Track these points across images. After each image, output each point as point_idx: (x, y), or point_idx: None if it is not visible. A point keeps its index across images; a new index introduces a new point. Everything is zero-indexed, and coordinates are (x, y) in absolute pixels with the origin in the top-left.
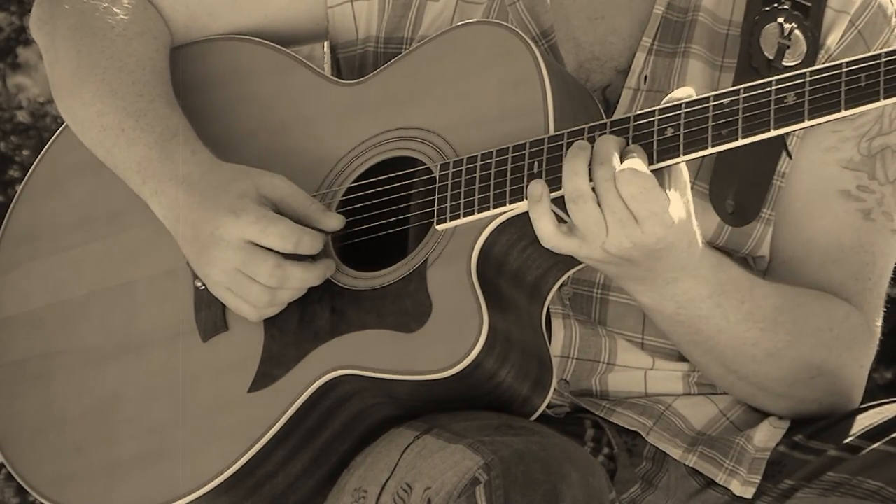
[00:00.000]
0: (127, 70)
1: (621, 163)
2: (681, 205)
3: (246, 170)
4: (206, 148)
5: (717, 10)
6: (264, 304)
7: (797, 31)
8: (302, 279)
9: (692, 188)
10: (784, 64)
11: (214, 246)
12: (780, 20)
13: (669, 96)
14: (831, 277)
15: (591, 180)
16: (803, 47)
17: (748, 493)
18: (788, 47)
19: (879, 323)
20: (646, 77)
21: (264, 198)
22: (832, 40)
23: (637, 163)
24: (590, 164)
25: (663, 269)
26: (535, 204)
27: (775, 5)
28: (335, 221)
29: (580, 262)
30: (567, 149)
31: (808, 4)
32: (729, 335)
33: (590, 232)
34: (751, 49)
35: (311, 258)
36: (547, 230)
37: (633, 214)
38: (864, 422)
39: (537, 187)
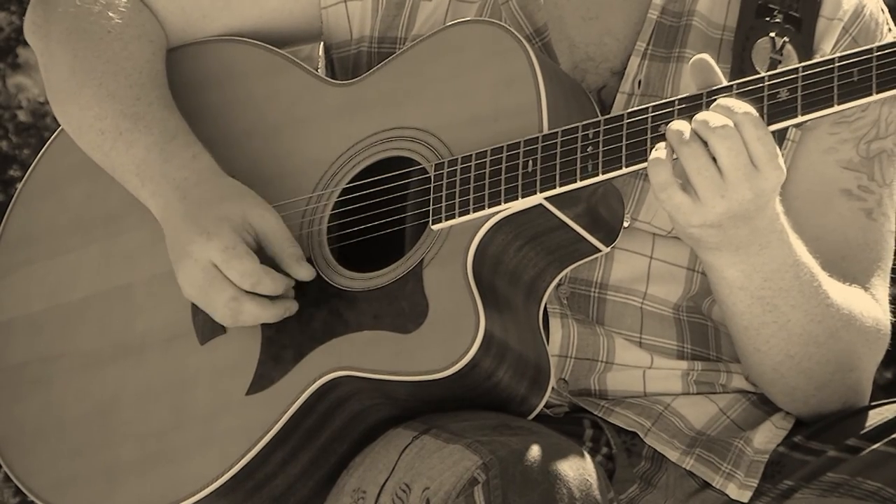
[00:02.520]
0: (124, 73)
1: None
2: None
3: (243, 193)
4: (208, 153)
5: (712, 15)
6: (229, 323)
7: (789, 46)
8: (256, 316)
9: None
10: None
11: (186, 258)
12: (772, 34)
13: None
14: (843, 274)
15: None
16: (795, 62)
17: (745, 496)
18: (780, 62)
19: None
20: (640, 82)
21: (250, 226)
22: (826, 48)
23: (752, 109)
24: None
25: (763, 228)
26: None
27: (767, 18)
28: (305, 272)
29: (576, 260)
30: (561, 147)
31: (800, 16)
32: (802, 311)
33: (709, 186)
34: (742, 64)
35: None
36: (662, 178)
37: (753, 159)
38: (863, 422)
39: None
